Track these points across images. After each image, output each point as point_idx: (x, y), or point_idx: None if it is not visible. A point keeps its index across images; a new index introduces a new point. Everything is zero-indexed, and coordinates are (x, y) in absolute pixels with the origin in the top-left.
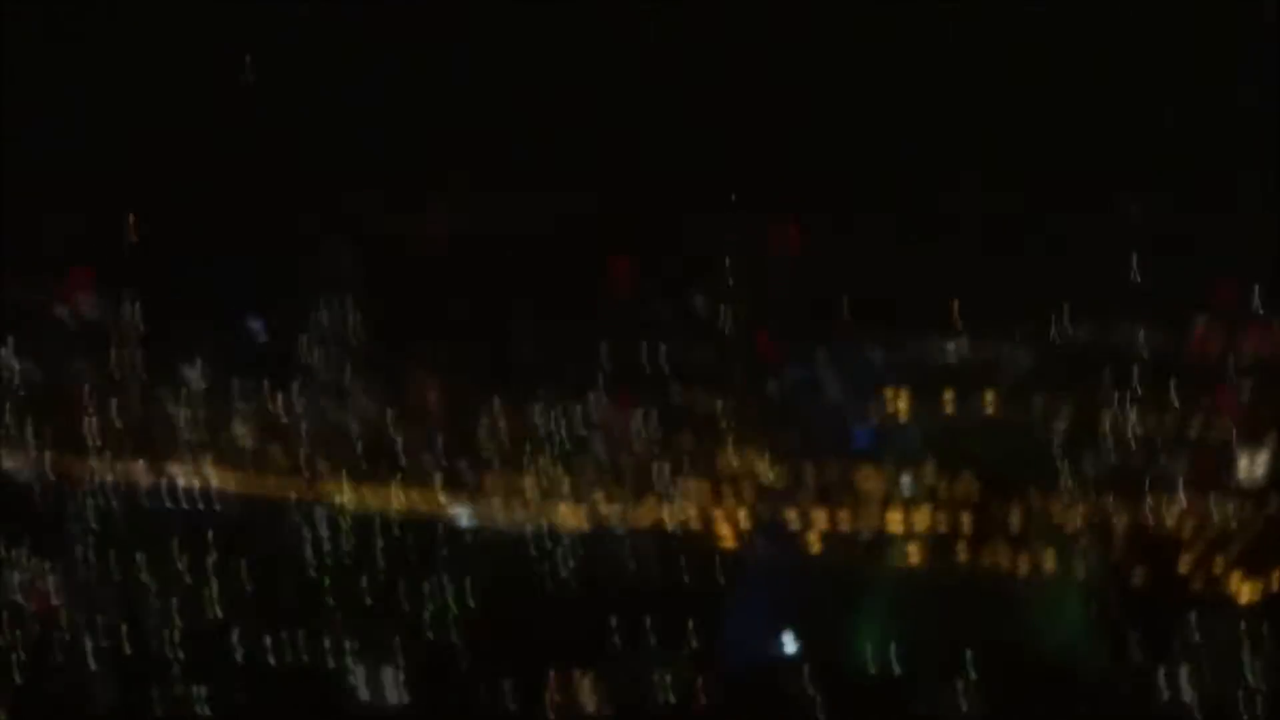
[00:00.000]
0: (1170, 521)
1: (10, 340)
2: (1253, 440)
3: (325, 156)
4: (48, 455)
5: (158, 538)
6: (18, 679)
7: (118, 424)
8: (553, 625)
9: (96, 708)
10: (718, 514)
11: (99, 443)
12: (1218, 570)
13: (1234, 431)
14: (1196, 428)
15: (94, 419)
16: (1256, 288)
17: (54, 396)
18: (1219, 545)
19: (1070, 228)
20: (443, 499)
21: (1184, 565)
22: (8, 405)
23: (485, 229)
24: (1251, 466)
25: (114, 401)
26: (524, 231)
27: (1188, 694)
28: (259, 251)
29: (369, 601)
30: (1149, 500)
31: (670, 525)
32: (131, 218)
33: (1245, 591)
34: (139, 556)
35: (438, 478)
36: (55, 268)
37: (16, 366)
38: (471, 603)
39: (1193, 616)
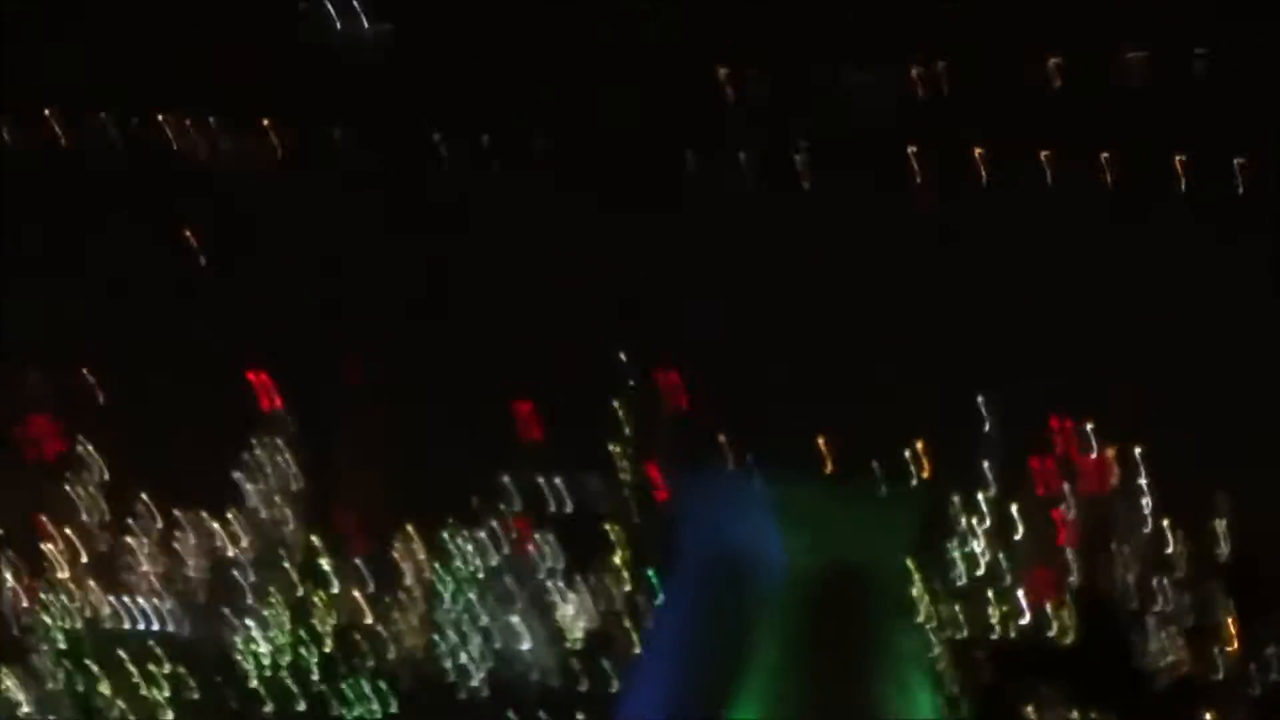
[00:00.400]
0: (1008, 630)
1: None
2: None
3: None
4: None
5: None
6: None
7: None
8: None
9: None
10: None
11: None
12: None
13: (1066, 549)
14: (1035, 546)
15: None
16: (1090, 424)
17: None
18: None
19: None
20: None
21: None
22: None
23: (404, 377)
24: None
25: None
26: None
27: None
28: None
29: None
30: (991, 608)
31: (568, 639)
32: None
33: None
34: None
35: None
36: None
37: None
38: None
39: (1030, 712)
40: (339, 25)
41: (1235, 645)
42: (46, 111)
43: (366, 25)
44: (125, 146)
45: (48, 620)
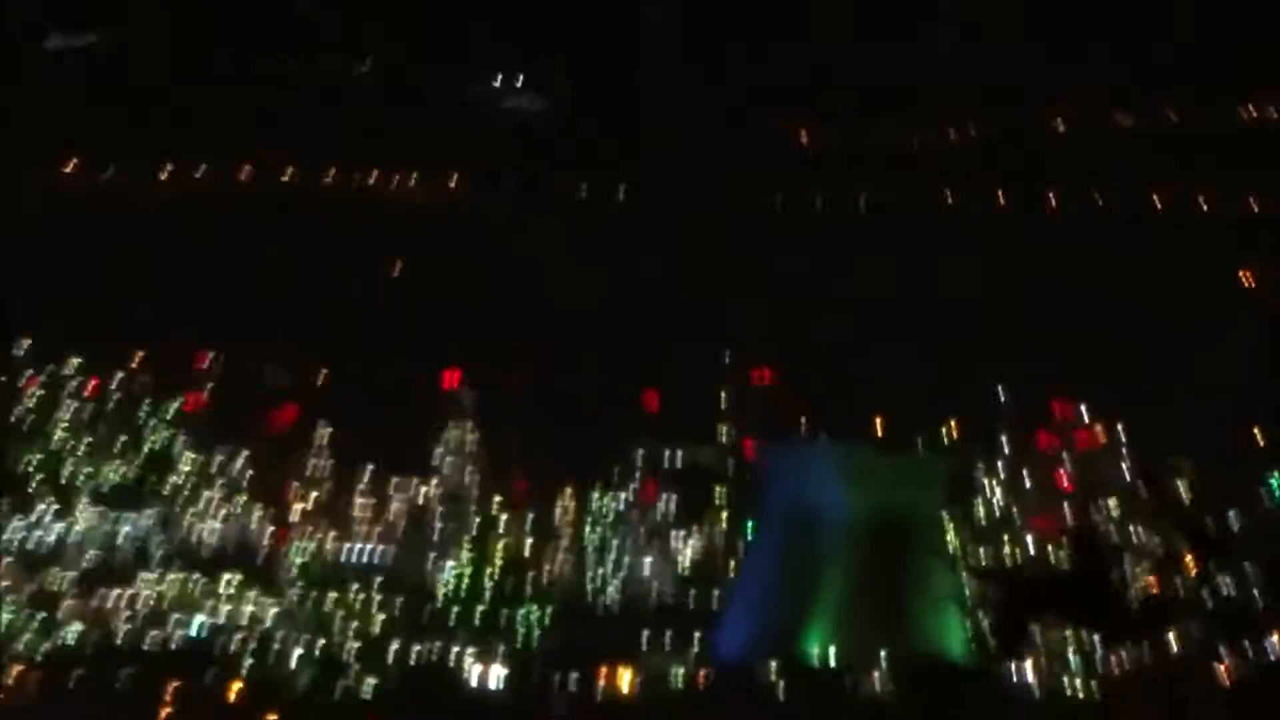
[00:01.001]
0: (1018, 563)
1: None
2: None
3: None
4: None
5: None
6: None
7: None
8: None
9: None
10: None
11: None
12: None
13: (1063, 500)
14: (1036, 495)
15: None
16: (1083, 405)
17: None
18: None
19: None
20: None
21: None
22: None
23: (561, 374)
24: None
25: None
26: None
27: (1030, 678)
28: None
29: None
30: (1005, 546)
31: (681, 570)
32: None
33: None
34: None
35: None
36: None
37: None
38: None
39: (1035, 628)
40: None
41: (1193, 573)
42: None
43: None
44: (357, 191)
45: (292, 555)
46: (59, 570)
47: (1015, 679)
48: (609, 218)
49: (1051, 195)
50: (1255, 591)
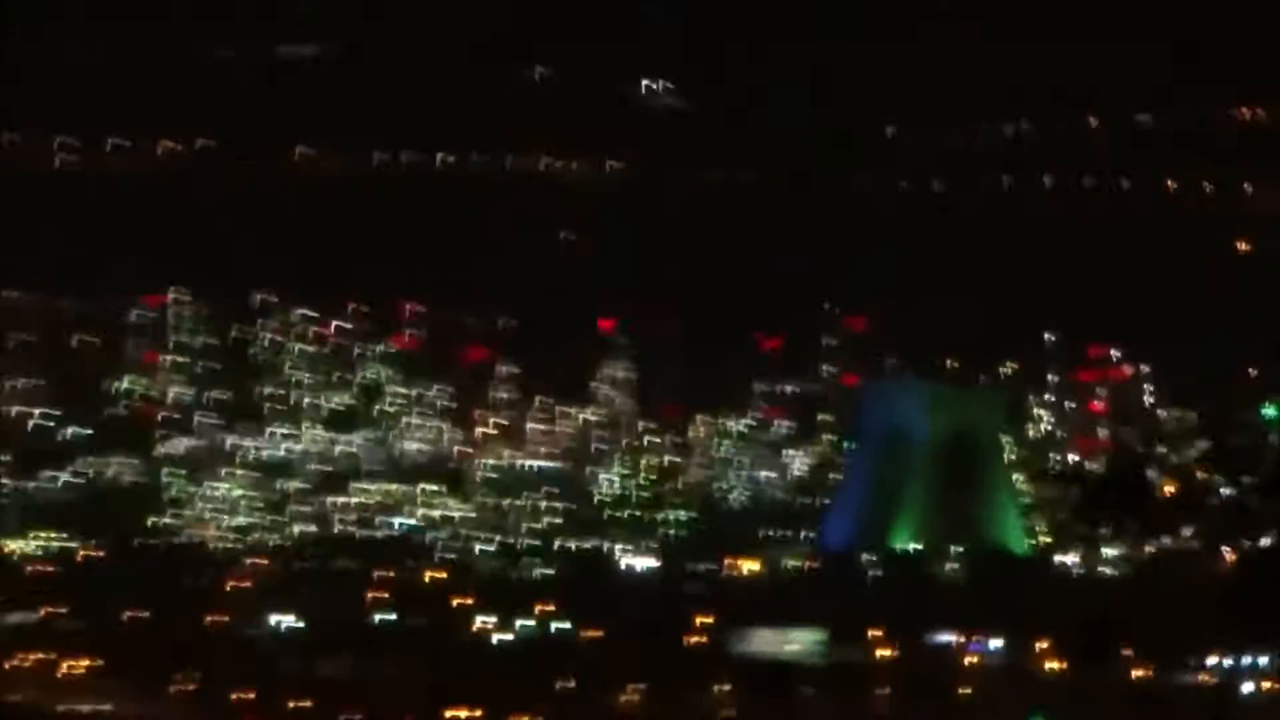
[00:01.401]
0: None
1: None
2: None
3: None
4: None
5: None
6: None
7: None
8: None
9: None
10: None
11: None
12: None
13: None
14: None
15: None
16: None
17: None
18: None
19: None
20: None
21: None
22: None
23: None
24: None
25: None
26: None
27: (1072, 562)
28: None
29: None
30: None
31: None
32: None
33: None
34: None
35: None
36: None
37: None
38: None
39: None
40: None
41: (1203, 478)
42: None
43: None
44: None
45: (478, 466)
46: (288, 480)
47: (1060, 564)
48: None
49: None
50: (1250, 497)
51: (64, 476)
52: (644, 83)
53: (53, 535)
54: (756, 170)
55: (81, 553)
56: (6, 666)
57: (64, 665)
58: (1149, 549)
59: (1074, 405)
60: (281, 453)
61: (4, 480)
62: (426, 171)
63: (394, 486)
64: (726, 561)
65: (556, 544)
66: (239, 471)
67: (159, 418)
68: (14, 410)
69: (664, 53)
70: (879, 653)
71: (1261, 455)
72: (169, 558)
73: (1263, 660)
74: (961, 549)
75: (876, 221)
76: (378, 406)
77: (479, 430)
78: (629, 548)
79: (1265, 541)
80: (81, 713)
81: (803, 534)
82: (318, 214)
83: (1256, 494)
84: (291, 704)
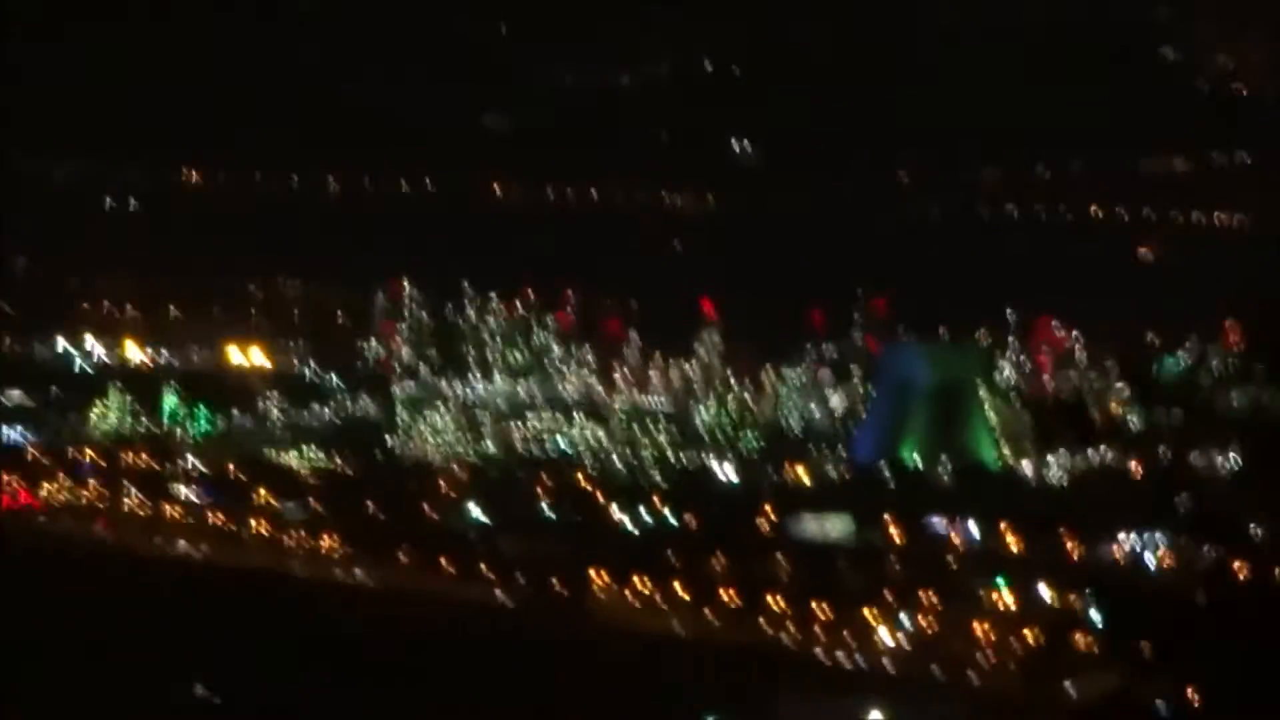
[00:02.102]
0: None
1: None
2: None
3: None
4: None
5: None
6: None
7: None
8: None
9: None
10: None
11: None
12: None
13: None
14: (1034, 375)
15: None
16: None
17: None
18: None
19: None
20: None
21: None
22: None
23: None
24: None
25: None
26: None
27: (1029, 474)
28: None
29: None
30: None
31: (835, 411)
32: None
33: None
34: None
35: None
36: None
37: None
38: None
39: (1031, 444)
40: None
41: (1120, 411)
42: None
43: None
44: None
45: (614, 404)
46: (481, 413)
47: (1018, 473)
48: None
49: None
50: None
51: (326, 412)
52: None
53: (317, 453)
54: (805, 193)
55: (338, 464)
56: (283, 545)
57: (325, 543)
58: (1081, 462)
59: (1028, 360)
60: (477, 394)
61: (285, 411)
62: (589, 204)
63: (556, 417)
64: (785, 470)
65: (668, 457)
66: (447, 408)
67: (394, 370)
68: (295, 364)
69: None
70: (891, 533)
71: (1163, 394)
72: (398, 469)
73: (1160, 538)
74: (949, 462)
75: (890, 235)
76: (545, 361)
77: (614, 378)
78: (721, 461)
79: (1163, 453)
80: (337, 578)
81: (839, 451)
82: (509, 237)
83: (1156, 422)
84: (483, 566)
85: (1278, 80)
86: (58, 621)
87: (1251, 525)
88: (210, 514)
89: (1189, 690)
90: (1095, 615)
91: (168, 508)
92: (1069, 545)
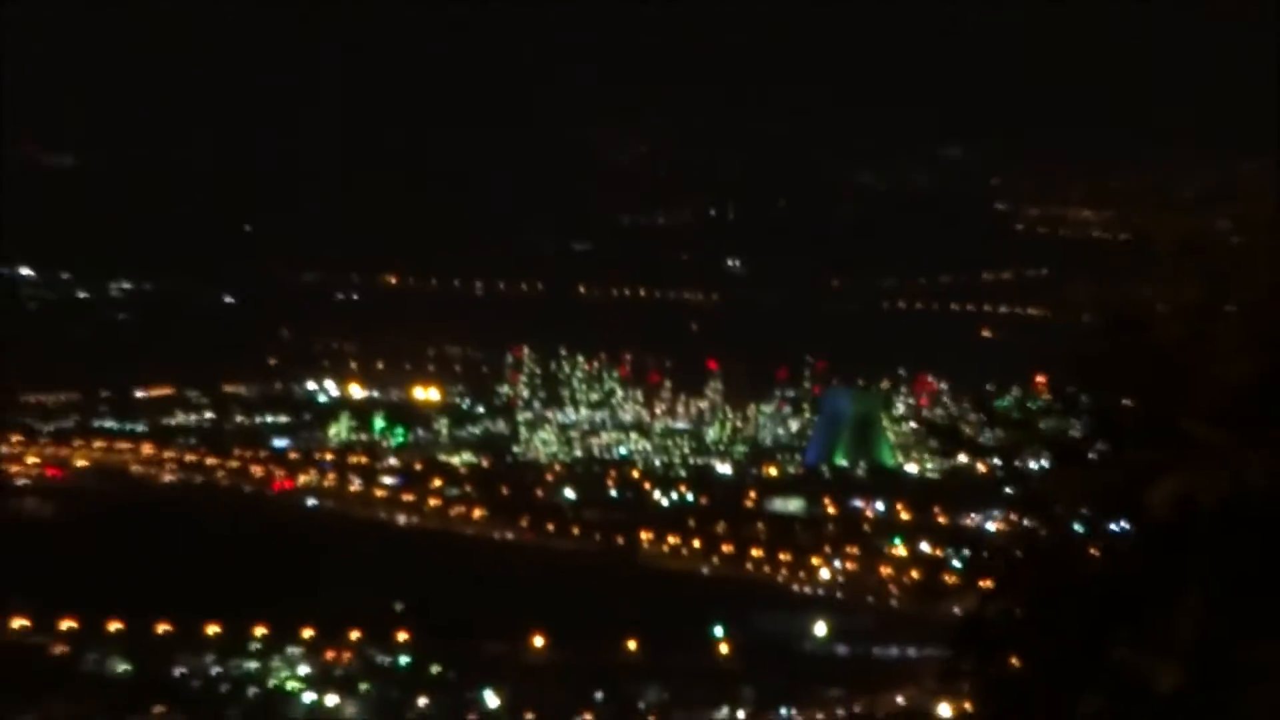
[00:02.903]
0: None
1: None
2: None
3: None
4: None
5: None
6: None
7: None
8: None
9: None
10: None
11: None
12: None
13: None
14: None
15: None
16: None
17: None
18: None
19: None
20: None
21: None
22: None
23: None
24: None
25: None
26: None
27: (913, 471)
28: None
29: None
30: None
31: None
32: None
33: None
34: None
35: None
36: None
37: None
38: None
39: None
40: None
41: (972, 432)
42: None
43: None
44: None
45: (654, 426)
46: (572, 432)
47: (907, 471)
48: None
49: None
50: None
51: (476, 430)
52: None
53: (470, 456)
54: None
55: (483, 463)
56: (449, 514)
57: (476, 513)
58: (946, 465)
59: (913, 400)
60: (569, 419)
61: (450, 429)
62: (640, 301)
63: (618, 434)
64: (762, 468)
65: (688, 460)
66: (551, 428)
67: (518, 403)
68: (456, 399)
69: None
70: (829, 508)
71: (998, 421)
72: (520, 467)
73: (996, 513)
74: (864, 464)
75: (827, 322)
76: (611, 399)
77: (654, 410)
78: (719, 464)
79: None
80: (466, 533)
81: (796, 457)
82: (588, 321)
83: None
84: (573, 529)
85: (1082, 228)
86: (308, 561)
87: (1057, 505)
88: (403, 494)
89: (1016, 609)
90: (956, 562)
91: (376, 490)
92: (939, 517)
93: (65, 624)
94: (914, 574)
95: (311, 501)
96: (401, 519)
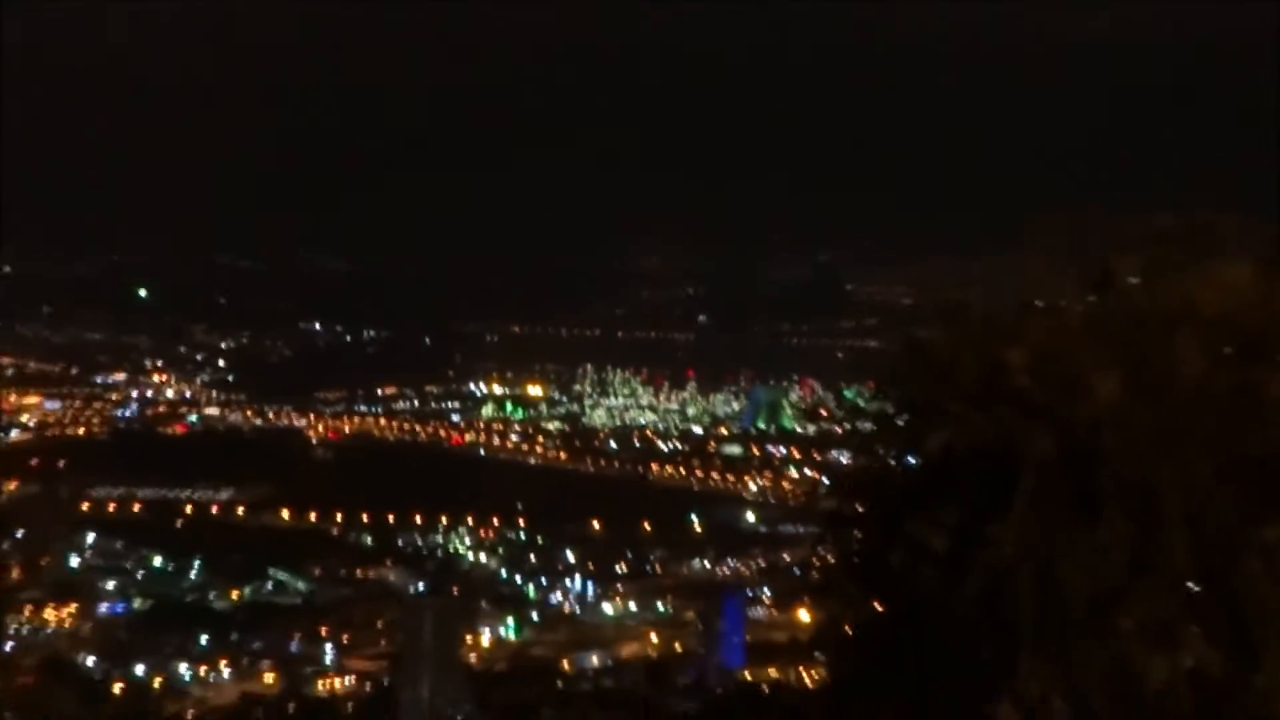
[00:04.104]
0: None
1: None
2: None
3: None
4: None
5: None
6: None
7: None
8: None
9: None
10: None
11: None
12: None
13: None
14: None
15: None
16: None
17: None
18: None
19: None
20: None
21: None
22: None
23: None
24: None
25: None
26: None
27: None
28: None
29: None
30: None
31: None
32: None
33: None
34: None
35: None
36: None
37: None
38: None
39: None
40: None
41: (842, 414)
42: None
43: None
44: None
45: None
46: (616, 408)
47: (800, 431)
48: None
49: None
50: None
51: (561, 410)
52: None
53: (558, 425)
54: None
55: (566, 428)
56: (547, 455)
57: (561, 456)
58: (822, 428)
59: (800, 392)
60: (612, 404)
61: (549, 407)
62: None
63: (638, 412)
64: (717, 429)
65: (677, 425)
66: (604, 407)
67: (584, 395)
68: (553, 392)
69: None
70: (754, 451)
71: (850, 407)
72: (584, 431)
73: None
74: (773, 428)
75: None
76: (634, 393)
77: (659, 398)
78: (695, 427)
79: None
80: (556, 466)
81: (736, 424)
82: (626, 347)
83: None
84: (615, 464)
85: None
86: (471, 481)
87: (877, 448)
88: (523, 445)
89: (855, 504)
90: (825, 479)
91: (508, 443)
92: (815, 455)
93: (338, 515)
94: (800, 487)
95: (474, 449)
96: (522, 459)
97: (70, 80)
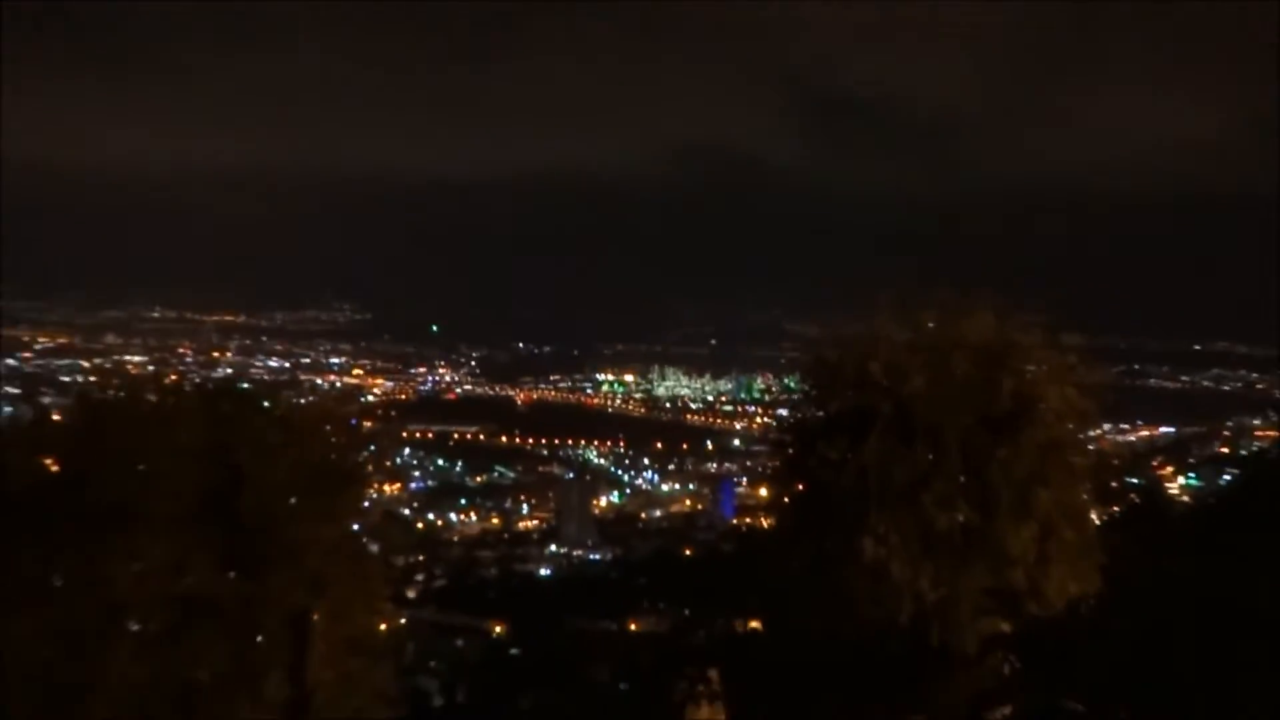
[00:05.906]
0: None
1: None
2: None
3: None
4: None
5: None
6: None
7: None
8: None
9: None
10: None
11: None
12: None
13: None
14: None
15: None
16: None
17: None
18: None
19: None
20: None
21: None
22: None
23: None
24: None
25: None
26: None
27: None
28: None
29: None
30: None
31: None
32: None
33: None
34: None
35: None
36: None
37: None
38: None
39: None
40: None
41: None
42: None
43: None
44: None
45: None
46: (671, 387)
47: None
48: None
49: None
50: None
51: (642, 390)
52: None
53: (639, 395)
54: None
55: (641, 397)
56: (613, 414)
57: (640, 410)
58: (774, 396)
59: (764, 381)
60: (668, 383)
61: (635, 386)
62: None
63: (682, 389)
64: (719, 399)
65: (700, 395)
66: (664, 385)
67: (653, 380)
68: (639, 378)
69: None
70: (739, 410)
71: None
72: (654, 398)
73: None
74: (748, 398)
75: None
76: (680, 378)
77: (691, 382)
78: (709, 395)
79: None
80: (636, 415)
81: (728, 396)
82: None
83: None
84: (666, 414)
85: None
86: (597, 420)
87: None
88: (621, 403)
89: (798, 441)
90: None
91: (614, 404)
92: (771, 411)
93: (529, 440)
94: (762, 428)
95: (598, 408)
96: (622, 412)
97: None
